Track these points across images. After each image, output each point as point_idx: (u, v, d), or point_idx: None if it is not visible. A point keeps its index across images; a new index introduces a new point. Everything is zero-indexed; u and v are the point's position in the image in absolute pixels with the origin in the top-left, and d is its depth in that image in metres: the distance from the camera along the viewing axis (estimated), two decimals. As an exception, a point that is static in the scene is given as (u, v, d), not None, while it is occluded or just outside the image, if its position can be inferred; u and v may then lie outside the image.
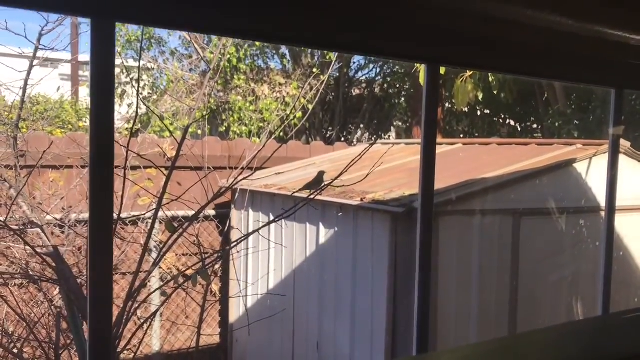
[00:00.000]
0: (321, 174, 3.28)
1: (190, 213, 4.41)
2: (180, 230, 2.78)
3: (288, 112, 8.83)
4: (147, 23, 1.33)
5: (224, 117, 10.11)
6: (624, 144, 4.61)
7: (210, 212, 5.75)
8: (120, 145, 2.40)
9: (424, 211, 1.51)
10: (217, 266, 5.19)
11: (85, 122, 10.64)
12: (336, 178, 3.05)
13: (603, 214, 4.44)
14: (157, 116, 6.00)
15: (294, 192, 3.55)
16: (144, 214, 3.49)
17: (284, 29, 1.30)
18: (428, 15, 1.37)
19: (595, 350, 1.33)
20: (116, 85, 11.54)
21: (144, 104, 5.19)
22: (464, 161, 5.10)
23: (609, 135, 2.09)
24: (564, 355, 1.26)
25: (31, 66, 2.77)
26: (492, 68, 1.94)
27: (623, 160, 4.59)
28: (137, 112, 2.60)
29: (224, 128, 10.02)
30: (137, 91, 2.42)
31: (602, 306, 2.11)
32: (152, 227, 2.57)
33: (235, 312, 5.67)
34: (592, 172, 4.36)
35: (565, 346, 1.34)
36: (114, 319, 2.74)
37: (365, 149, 3.12)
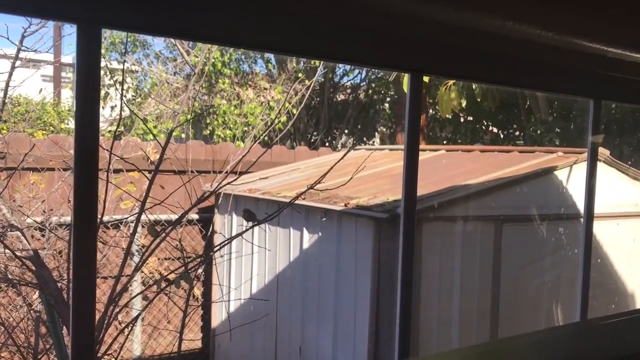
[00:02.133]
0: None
1: (173, 217, 4.39)
2: (163, 235, 2.76)
3: (272, 117, 8.83)
4: (133, 29, 1.33)
5: (208, 121, 10.07)
6: (603, 152, 4.69)
7: (194, 216, 5.72)
8: (103, 149, 2.39)
9: (406, 217, 1.52)
10: (199, 270, 5.16)
11: (67, 124, 10.53)
12: (315, 184, 3.06)
13: (582, 220, 4.51)
14: (141, 119, 5.96)
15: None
16: (127, 218, 3.46)
17: (272, 38, 1.30)
18: (412, 25, 1.39)
19: (574, 356, 1.35)
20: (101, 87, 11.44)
21: (128, 107, 5.16)
22: (446, 168, 5.15)
23: (588, 144, 2.13)
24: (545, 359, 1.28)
25: (13, 67, 2.74)
26: (473, 78, 1.98)
27: (602, 168, 4.68)
28: (120, 115, 2.59)
29: (208, 132, 9.98)
30: (121, 94, 2.41)
31: (580, 312, 2.15)
32: (135, 230, 2.56)
33: (218, 317, 5.64)
34: (573, 180, 4.43)
35: (545, 351, 1.36)
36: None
37: (345, 154, 3.14)
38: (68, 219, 4.12)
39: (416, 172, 1.50)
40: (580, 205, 4.56)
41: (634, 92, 2.01)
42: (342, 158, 3.07)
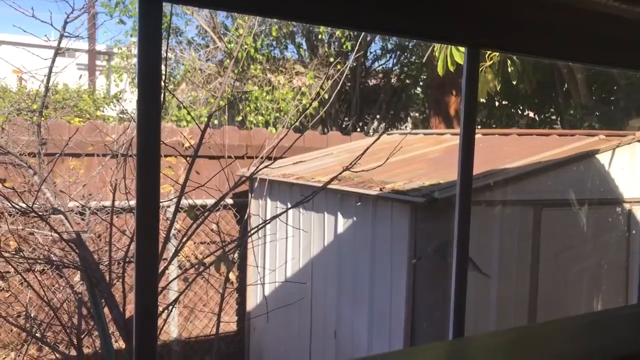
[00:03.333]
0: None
1: (208, 201, 4.44)
2: (202, 218, 2.79)
3: (305, 103, 8.82)
4: (195, 3, 1.31)
5: (240, 107, 10.12)
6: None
7: (228, 200, 5.77)
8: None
9: (462, 196, 1.49)
10: (235, 255, 5.22)
11: (103, 111, 10.72)
12: (350, 166, 3.04)
13: (626, 205, 4.38)
14: (183, 105, 6.02)
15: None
16: (166, 201, 3.51)
17: (325, 10, 1.27)
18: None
19: (622, 342, 1.31)
20: (134, 74, 11.60)
21: (170, 92, 5.21)
22: (484, 151, 5.06)
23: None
24: (592, 344, 1.25)
25: (56, 54, 2.78)
26: (531, 52, 1.90)
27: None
28: (164, 98, 2.61)
29: (240, 118, 10.04)
30: (165, 78, 2.43)
31: (638, 295, 2.08)
32: (175, 214, 2.59)
33: (253, 300, 5.70)
34: (615, 163, 4.30)
35: (592, 336, 1.32)
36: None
37: (378, 136, 3.11)
38: (107, 203, 4.19)
39: (472, 148, 1.46)
40: (623, 190, 4.43)
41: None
42: (375, 140, 3.05)
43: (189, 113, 6.77)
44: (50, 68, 2.78)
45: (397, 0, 1.31)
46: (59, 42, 2.73)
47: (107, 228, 3.56)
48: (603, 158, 4.27)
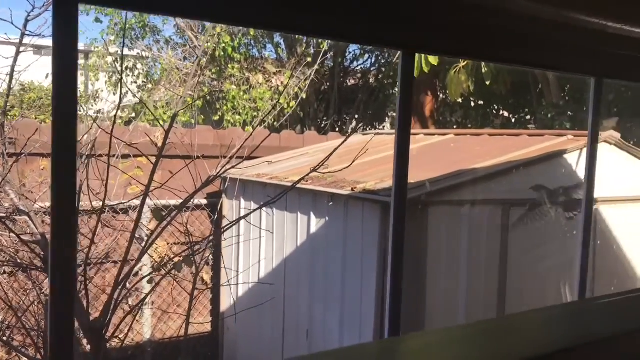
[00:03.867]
0: None
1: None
2: (169, 219, 2.78)
3: (280, 101, 8.81)
4: (111, 4, 1.30)
5: (217, 106, 10.08)
6: (614, 135, 4.62)
7: (202, 201, 5.75)
8: (107, 133, 2.40)
9: (397, 201, 1.51)
10: (208, 255, 5.20)
11: (86, 110, 10.58)
12: (318, 167, 3.06)
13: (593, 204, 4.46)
14: (144, 104, 5.97)
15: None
16: (127, 202, 3.48)
17: (256, 13, 1.27)
18: (403, 1, 1.35)
19: (573, 333, 1.35)
20: (110, 73, 11.48)
21: (132, 92, 5.15)
22: (455, 152, 5.11)
23: (589, 124, 2.09)
24: (544, 337, 1.28)
25: (17, 53, 2.75)
26: (468, 55, 1.93)
27: (614, 152, 4.62)
28: (120, 99, 2.59)
29: (218, 117, 9.99)
30: (120, 80, 2.42)
31: (579, 291, 2.14)
32: (139, 214, 2.58)
33: (227, 300, 5.69)
34: (583, 163, 4.37)
35: (545, 328, 1.36)
36: (101, 307, 2.75)
37: (346, 138, 3.14)
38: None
39: (408, 151, 1.48)
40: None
41: (636, 70, 1.96)
42: (343, 142, 3.07)
43: (153, 115, 6.72)
44: (12, 67, 2.75)
45: (331, 4, 1.32)
46: (20, 41, 2.70)
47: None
48: (570, 158, 4.34)
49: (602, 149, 4.55)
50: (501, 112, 10.04)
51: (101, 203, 2.71)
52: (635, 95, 6.83)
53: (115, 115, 2.53)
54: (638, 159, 4.77)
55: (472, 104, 10.07)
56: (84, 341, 3.18)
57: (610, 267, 4.64)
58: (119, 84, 2.65)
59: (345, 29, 1.35)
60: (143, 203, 2.62)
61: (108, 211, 4.26)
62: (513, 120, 9.96)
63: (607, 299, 1.48)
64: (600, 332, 1.24)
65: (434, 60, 6.18)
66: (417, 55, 6.31)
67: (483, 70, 6.74)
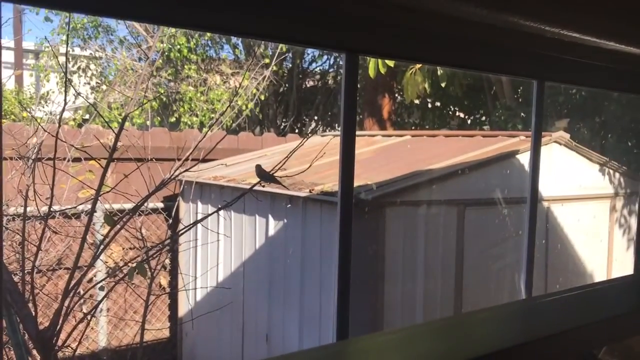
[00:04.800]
0: (258, 166, 3.29)
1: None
2: (121, 223, 2.70)
3: (239, 102, 8.74)
4: (36, 3, 1.26)
5: (174, 108, 9.92)
6: (564, 136, 4.77)
7: (159, 204, 5.65)
8: (52, 136, 2.32)
9: (343, 203, 1.51)
10: (164, 259, 5.11)
11: (30, 112, 10.24)
12: (275, 170, 3.04)
13: (545, 203, 4.59)
14: (92, 107, 5.82)
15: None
16: (76, 207, 3.38)
17: (196, 14, 1.25)
18: (346, 3, 1.35)
19: (521, 330, 1.37)
20: (62, 74, 11.14)
21: (79, 94, 4.99)
22: (411, 153, 5.18)
23: (532, 125, 2.15)
24: (494, 335, 1.30)
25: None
26: (411, 58, 1.95)
27: (564, 152, 4.76)
28: (65, 101, 2.51)
29: (175, 119, 9.84)
30: (65, 80, 2.34)
31: (525, 290, 2.19)
32: (90, 219, 2.50)
33: (185, 305, 5.59)
34: (534, 163, 4.49)
35: (495, 326, 1.38)
36: (51, 315, 2.65)
37: (303, 141, 3.13)
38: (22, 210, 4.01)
39: (353, 153, 1.48)
40: (541, 188, 4.65)
41: (577, 73, 2.03)
42: (300, 145, 3.06)
43: (100, 115, 6.56)
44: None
45: (272, 6, 1.31)
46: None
47: (13, 236, 3.41)
48: (523, 158, 4.45)
49: (553, 148, 4.69)
50: (457, 114, 10.23)
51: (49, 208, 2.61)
52: (582, 97, 7.07)
53: (60, 118, 2.44)
54: (586, 158, 4.94)
55: (429, 105, 10.22)
56: (34, 352, 3.07)
57: (562, 264, 4.78)
58: (64, 85, 2.57)
59: (277, 30, 1.34)
60: (93, 207, 2.55)
61: (58, 216, 4.13)
62: (469, 121, 10.17)
63: (553, 296, 1.52)
64: (548, 328, 1.27)
65: (390, 61, 6.24)
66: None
67: (439, 72, 6.84)
